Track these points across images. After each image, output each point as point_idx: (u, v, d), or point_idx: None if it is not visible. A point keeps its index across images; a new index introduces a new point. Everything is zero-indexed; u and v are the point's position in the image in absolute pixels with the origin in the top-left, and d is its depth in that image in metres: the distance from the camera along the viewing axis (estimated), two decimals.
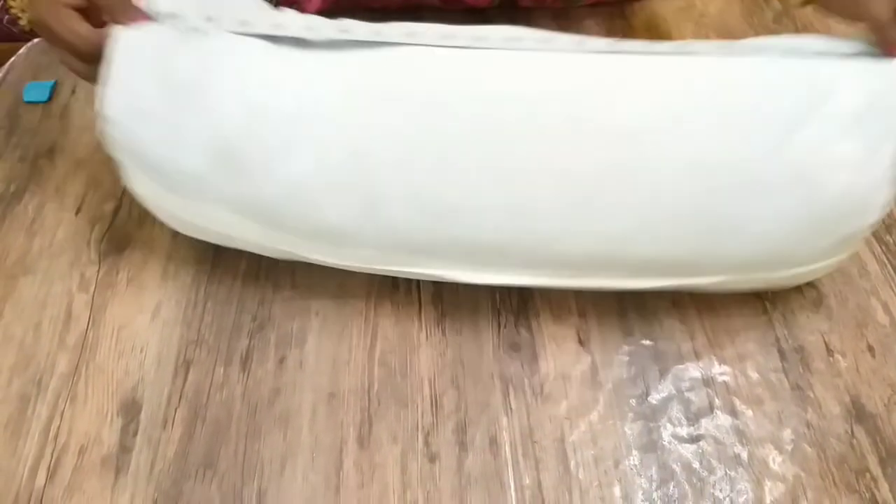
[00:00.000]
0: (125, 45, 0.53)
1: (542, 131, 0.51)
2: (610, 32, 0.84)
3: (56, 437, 0.56)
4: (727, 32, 0.84)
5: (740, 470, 0.53)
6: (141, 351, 0.60)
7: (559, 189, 0.52)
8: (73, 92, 0.80)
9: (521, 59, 0.53)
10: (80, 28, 0.54)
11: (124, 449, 0.55)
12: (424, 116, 0.52)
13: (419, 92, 0.53)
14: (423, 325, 0.61)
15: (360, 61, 0.54)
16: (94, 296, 0.64)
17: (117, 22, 0.53)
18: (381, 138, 0.52)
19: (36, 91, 0.80)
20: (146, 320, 0.62)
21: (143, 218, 0.69)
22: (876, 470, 0.53)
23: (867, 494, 0.52)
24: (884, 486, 0.53)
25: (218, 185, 0.55)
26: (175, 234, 0.67)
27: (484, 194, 0.52)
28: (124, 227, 0.68)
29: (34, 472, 0.55)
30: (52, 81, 0.81)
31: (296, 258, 0.60)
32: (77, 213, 0.70)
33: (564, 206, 0.52)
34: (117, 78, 0.53)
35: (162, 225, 0.68)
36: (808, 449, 0.54)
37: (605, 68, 0.53)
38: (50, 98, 0.80)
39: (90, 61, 0.54)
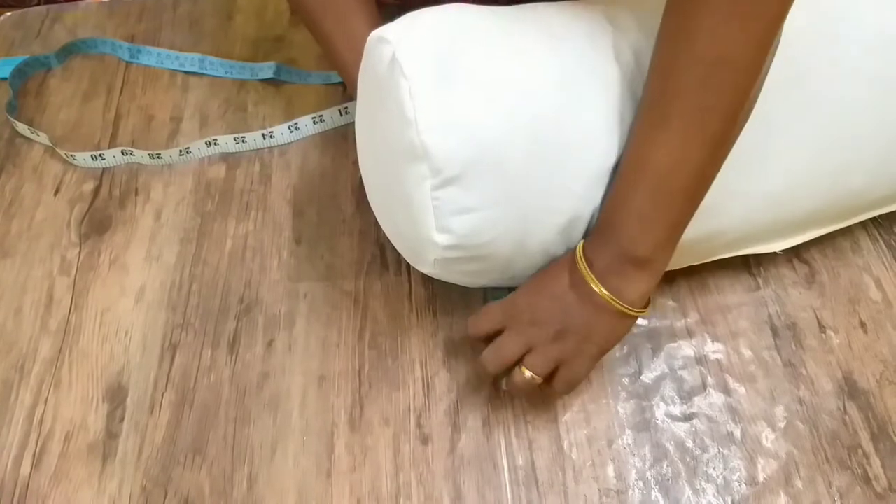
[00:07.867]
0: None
1: None
2: None
3: (41, 423, 0.55)
4: None
5: (733, 448, 0.53)
6: (126, 335, 0.59)
7: None
8: (49, 69, 0.78)
9: None
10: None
11: (111, 435, 0.55)
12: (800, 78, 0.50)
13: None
14: (414, 307, 0.60)
15: None
16: (75, 279, 0.62)
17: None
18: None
19: (10, 68, 0.77)
20: (130, 303, 0.61)
21: (125, 197, 0.67)
22: (868, 446, 0.53)
23: (859, 471, 0.52)
24: (875, 462, 0.53)
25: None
26: (158, 214, 0.66)
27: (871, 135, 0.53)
28: (105, 208, 0.67)
29: (19, 460, 0.54)
30: (27, 58, 0.78)
31: None
32: (56, 193, 0.68)
33: None
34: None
35: (144, 204, 0.67)
36: (801, 426, 0.54)
37: None
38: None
39: None
